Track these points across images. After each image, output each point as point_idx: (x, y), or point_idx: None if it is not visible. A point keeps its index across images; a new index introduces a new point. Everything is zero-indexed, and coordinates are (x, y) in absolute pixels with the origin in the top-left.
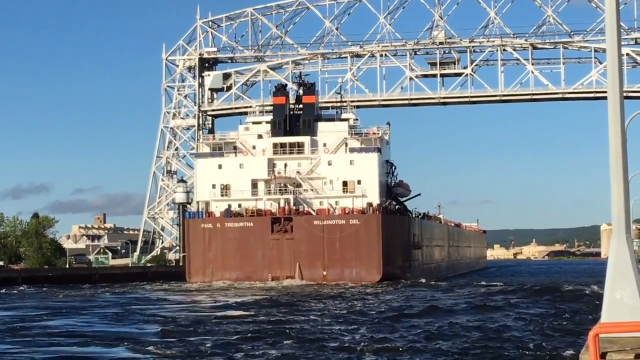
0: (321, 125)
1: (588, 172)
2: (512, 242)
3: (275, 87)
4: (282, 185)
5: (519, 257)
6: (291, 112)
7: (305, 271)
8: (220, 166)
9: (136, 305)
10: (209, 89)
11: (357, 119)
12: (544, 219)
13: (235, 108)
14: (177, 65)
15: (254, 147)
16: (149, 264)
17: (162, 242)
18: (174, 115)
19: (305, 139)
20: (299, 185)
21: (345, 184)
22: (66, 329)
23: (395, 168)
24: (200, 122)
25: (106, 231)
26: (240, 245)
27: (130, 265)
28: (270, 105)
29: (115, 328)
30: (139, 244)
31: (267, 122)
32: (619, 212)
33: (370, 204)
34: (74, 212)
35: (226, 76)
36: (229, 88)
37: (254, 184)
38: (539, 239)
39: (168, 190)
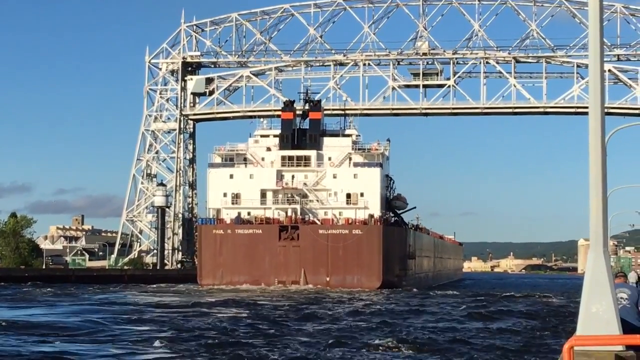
0: (326, 140)
1: (567, 187)
2: (489, 254)
3: (284, 102)
4: (289, 195)
5: (496, 269)
6: (295, 128)
7: (310, 277)
8: (231, 176)
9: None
10: (191, 93)
11: (359, 135)
12: (521, 233)
13: (217, 113)
14: (160, 69)
15: (263, 159)
16: (126, 267)
17: (140, 245)
18: (156, 118)
19: (312, 153)
20: (305, 196)
21: (348, 196)
22: None
23: (394, 182)
24: (182, 126)
25: (84, 233)
26: (249, 251)
27: (107, 267)
28: (261, 110)
29: None
30: (117, 247)
31: (274, 136)
32: (597, 228)
33: (371, 216)
34: (55, 212)
35: (209, 81)
36: (211, 93)
37: (263, 194)
38: (517, 252)
39: (147, 194)
